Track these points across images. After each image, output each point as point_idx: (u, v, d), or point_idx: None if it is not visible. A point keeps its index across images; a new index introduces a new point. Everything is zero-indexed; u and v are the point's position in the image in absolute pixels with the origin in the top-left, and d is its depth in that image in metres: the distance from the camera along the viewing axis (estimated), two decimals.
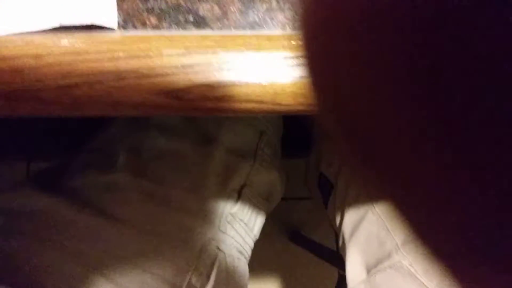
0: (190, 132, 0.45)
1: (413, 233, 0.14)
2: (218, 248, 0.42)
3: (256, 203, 0.48)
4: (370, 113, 0.11)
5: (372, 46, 0.10)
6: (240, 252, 0.47)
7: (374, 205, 0.46)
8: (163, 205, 0.41)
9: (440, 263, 0.13)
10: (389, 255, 0.43)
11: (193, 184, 0.43)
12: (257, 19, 0.29)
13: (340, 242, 0.51)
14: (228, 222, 0.44)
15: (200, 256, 0.41)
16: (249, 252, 0.49)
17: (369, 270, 0.45)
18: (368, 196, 0.47)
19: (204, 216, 0.42)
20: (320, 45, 0.12)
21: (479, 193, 0.10)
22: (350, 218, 0.49)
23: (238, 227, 0.46)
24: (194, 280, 0.40)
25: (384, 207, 0.46)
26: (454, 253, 0.12)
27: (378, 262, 0.44)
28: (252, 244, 0.49)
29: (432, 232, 0.12)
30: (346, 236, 0.50)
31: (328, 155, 0.53)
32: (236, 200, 0.45)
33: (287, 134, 0.60)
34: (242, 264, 0.47)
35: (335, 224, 0.52)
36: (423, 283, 0.41)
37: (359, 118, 0.12)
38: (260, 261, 0.99)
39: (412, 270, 0.41)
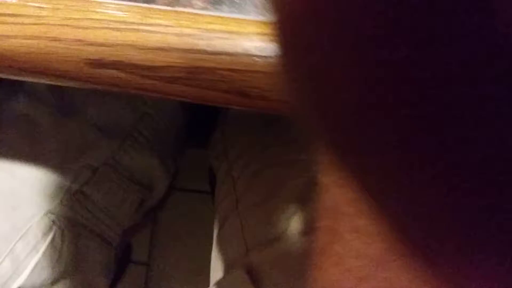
0: (52, 102, 0.44)
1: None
2: (54, 222, 0.41)
3: (120, 184, 0.46)
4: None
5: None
6: (97, 234, 0.45)
7: (238, 206, 0.44)
8: (1, 167, 0.40)
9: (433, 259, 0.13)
10: (233, 262, 0.41)
11: (40, 154, 0.42)
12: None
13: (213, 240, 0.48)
14: (77, 199, 0.43)
15: (29, 226, 0.40)
16: (111, 235, 0.47)
17: (219, 275, 0.43)
18: (235, 196, 0.45)
19: (43, 187, 0.41)
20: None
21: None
22: (218, 216, 0.47)
23: (92, 206, 0.44)
24: (19, 248, 0.39)
25: (245, 209, 0.43)
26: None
27: (228, 267, 0.42)
28: (117, 228, 0.47)
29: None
30: (215, 233, 0.47)
31: (216, 147, 0.51)
32: (90, 177, 0.43)
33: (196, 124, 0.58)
34: (92, 246, 0.45)
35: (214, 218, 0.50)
36: None
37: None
38: None
39: (248, 279, 0.39)
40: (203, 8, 0.25)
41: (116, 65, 0.23)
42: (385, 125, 0.10)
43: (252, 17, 0.24)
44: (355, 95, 0.11)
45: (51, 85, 0.44)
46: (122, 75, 0.23)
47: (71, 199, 0.42)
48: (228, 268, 0.42)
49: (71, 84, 0.24)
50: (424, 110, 0.09)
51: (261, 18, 0.24)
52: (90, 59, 0.23)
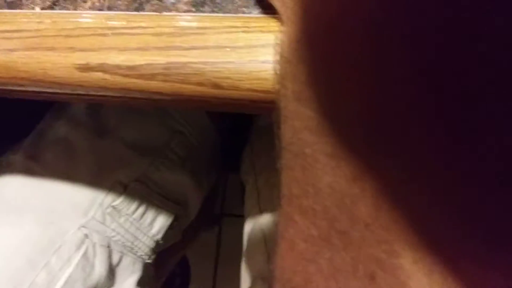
0: (87, 122, 0.46)
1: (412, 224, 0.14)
2: (87, 236, 0.43)
3: (153, 200, 0.47)
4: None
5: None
6: (130, 248, 0.47)
7: (261, 218, 0.43)
8: (40, 186, 0.43)
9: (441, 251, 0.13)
10: (259, 274, 0.40)
11: (73, 172, 0.44)
12: None
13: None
14: (108, 214, 0.44)
15: (64, 240, 0.42)
16: (146, 251, 0.48)
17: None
18: (258, 206, 0.44)
19: (77, 203, 0.43)
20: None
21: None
22: (245, 228, 0.46)
23: (124, 221, 0.45)
24: (53, 260, 0.41)
25: (268, 218, 0.42)
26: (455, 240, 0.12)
27: (253, 285, 0.41)
28: (151, 243, 0.48)
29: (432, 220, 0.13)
30: (244, 246, 0.47)
31: (246, 162, 0.51)
32: (121, 193, 0.45)
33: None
34: (128, 261, 0.46)
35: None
36: None
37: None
38: None
39: None
40: (186, 11, 0.26)
41: (101, 67, 0.24)
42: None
43: (231, 14, 0.25)
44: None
45: (90, 109, 0.47)
46: (107, 76, 0.24)
47: (103, 214, 0.44)
48: (254, 279, 0.41)
49: (66, 89, 0.26)
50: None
51: (238, 15, 0.24)
52: (79, 64, 0.25)
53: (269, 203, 0.44)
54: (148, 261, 0.50)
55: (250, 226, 0.46)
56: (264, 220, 0.43)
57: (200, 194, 0.53)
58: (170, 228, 0.50)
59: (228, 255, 0.94)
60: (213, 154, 0.55)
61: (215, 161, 0.55)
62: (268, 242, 0.41)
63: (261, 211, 0.44)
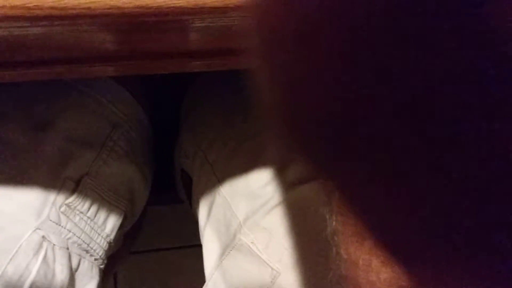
0: (21, 118, 0.42)
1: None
2: (45, 238, 0.38)
3: (104, 197, 0.44)
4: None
5: None
6: (86, 251, 0.42)
7: (220, 186, 0.44)
8: None
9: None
10: (234, 236, 0.41)
11: (19, 171, 0.39)
12: None
13: (200, 236, 0.47)
14: (63, 213, 0.40)
15: (19, 245, 0.36)
16: (101, 254, 0.44)
17: (219, 257, 0.42)
18: (216, 178, 0.45)
19: (29, 204, 0.38)
20: None
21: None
22: (203, 208, 0.46)
23: (79, 220, 0.41)
24: (10, 270, 0.36)
25: (229, 186, 0.43)
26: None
27: (226, 246, 0.41)
28: (105, 245, 0.44)
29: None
30: (201, 228, 0.46)
31: (186, 146, 0.51)
32: (74, 190, 0.41)
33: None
34: (86, 265, 0.42)
35: (197, 221, 0.49)
36: (263, 260, 0.38)
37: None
38: None
39: (254, 248, 0.38)
40: None
41: None
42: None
43: None
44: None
45: (20, 103, 0.42)
46: None
47: (57, 214, 0.40)
48: (228, 245, 0.41)
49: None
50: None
51: None
52: None
53: (229, 170, 0.44)
54: (101, 266, 0.45)
55: (208, 200, 0.45)
56: (226, 186, 0.43)
57: (146, 189, 0.50)
58: (120, 228, 0.47)
59: None
60: (150, 148, 0.53)
61: (152, 155, 0.54)
62: (235, 207, 0.42)
63: (219, 181, 0.44)
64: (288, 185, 0.40)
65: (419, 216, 0.11)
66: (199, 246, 0.47)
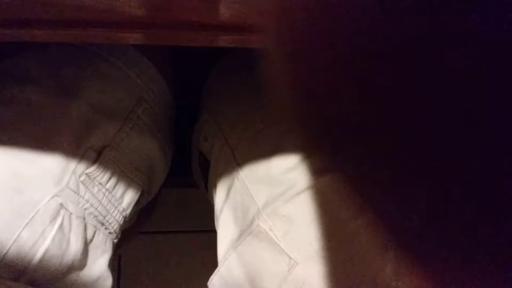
0: (48, 81, 0.41)
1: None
2: (62, 206, 0.37)
3: (124, 170, 0.43)
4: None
5: None
6: (101, 223, 0.42)
7: (240, 170, 0.43)
8: (3, 152, 0.36)
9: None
10: (251, 222, 0.39)
11: (42, 135, 0.38)
12: None
13: (215, 220, 0.46)
14: (82, 182, 0.39)
15: (35, 211, 0.36)
16: (116, 228, 0.43)
17: (235, 242, 0.40)
18: (236, 161, 0.43)
19: (49, 169, 0.38)
20: None
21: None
22: (220, 192, 0.45)
23: (97, 191, 0.41)
24: (25, 235, 0.35)
25: (249, 170, 0.42)
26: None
27: (243, 231, 0.40)
28: (120, 220, 0.44)
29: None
30: (217, 212, 0.45)
31: (206, 128, 0.49)
32: (95, 160, 0.40)
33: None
34: (100, 237, 0.41)
35: (212, 203, 0.48)
36: (281, 248, 0.36)
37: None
38: None
39: (271, 234, 0.37)
40: None
41: None
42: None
43: None
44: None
45: (48, 67, 0.41)
46: None
47: (76, 182, 0.39)
48: (244, 230, 0.40)
49: None
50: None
51: None
52: None
53: (250, 156, 0.43)
54: (115, 241, 0.45)
55: (226, 185, 0.44)
56: (245, 172, 0.42)
57: (165, 168, 0.50)
58: (136, 204, 0.46)
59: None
60: (172, 127, 0.52)
61: (173, 135, 0.53)
62: (254, 193, 0.41)
63: (239, 165, 0.43)
64: (312, 174, 0.39)
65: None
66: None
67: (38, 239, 0.36)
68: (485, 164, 0.09)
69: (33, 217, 0.36)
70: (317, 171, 0.38)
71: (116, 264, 0.88)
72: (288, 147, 0.41)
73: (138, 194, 0.46)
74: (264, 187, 0.40)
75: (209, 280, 0.43)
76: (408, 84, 0.09)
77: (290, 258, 0.36)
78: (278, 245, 0.37)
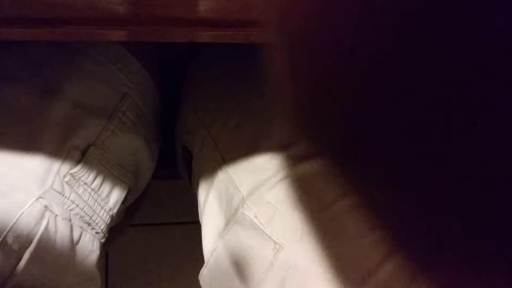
0: (30, 81, 0.40)
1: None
2: (47, 208, 0.36)
3: (110, 169, 0.42)
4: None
5: None
6: (88, 224, 0.41)
7: (223, 161, 0.42)
8: None
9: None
10: (236, 211, 0.39)
11: (24, 136, 0.37)
12: None
13: (199, 212, 0.46)
14: (67, 183, 0.39)
15: (20, 213, 0.35)
16: (102, 228, 0.43)
17: (221, 232, 0.40)
18: (219, 153, 0.43)
19: (32, 171, 0.37)
20: None
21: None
22: (204, 184, 0.45)
23: (83, 192, 0.40)
24: (10, 238, 0.34)
25: (232, 161, 0.42)
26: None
27: (228, 221, 0.40)
28: (107, 219, 0.43)
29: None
30: (201, 204, 0.45)
31: (188, 121, 0.49)
32: (79, 159, 0.39)
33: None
34: (87, 238, 0.41)
35: (196, 196, 0.47)
36: (266, 234, 0.36)
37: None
38: None
39: (256, 221, 0.37)
40: None
41: None
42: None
43: None
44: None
45: (29, 65, 0.40)
46: None
47: (61, 183, 0.38)
48: (230, 219, 0.40)
49: None
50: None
51: None
52: None
53: (233, 146, 0.42)
54: (102, 240, 0.44)
55: (210, 176, 0.44)
56: (230, 162, 0.42)
57: (152, 164, 0.49)
58: (123, 202, 0.46)
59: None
60: (158, 121, 0.52)
61: (159, 129, 0.52)
62: (238, 182, 0.41)
63: (223, 157, 0.43)
64: (294, 160, 0.39)
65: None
66: (197, 223, 0.46)
67: (24, 242, 0.35)
68: (464, 154, 0.09)
69: (17, 220, 0.35)
70: (300, 157, 0.38)
71: (104, 258, 0.87)
72: (270, 136, 0.41)
73: (125, 192, 0.45)
74: (248, 176, 0.40)
75: (200, 273, 0.42)
76: (400, 79, 0.09)
77: (275, 243, 0.36)
78: (263, 231, 0.37)
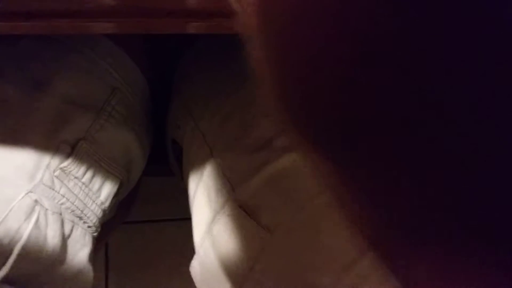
0: (17, 76, 0.40)
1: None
2: (37, 202, 0.36)
3: (100, 163, 0.42)
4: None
5: None
6: (79, 217, 0.41)
7: (211, 153, 0.43)
8: None
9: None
10: (224, 202, 0.39)
11: (12, 132, 0.37)
12: None
13: (190, 205, 0.46)
14: (57, 177, 0.39)
15: (10, 207, 0.35)
16: (94, 221, 0.43)
17: (210, 224, 0.40)
18: (208, 146, 0.43)
19: (21, 166, 0.37)
20: None
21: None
22: (193, 177, 0.45)
23: (73, 185, 0.40)
24: (0, 233, 0.34)
25: (220, 153, 0.42)
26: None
27: (217, 212, 0.40)
28: (99, 213, 0.43)
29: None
30: (191, 197, 0.45)
31: (177, 115, 0.49)
32: (69, 154, 0.39)
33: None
34: (78, 232, 0.41)
35: (187, 189, 0.47)
36: (254, 224, 0.37)
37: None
38: None
39: (244, 212, 0.37)
40: None
41: None
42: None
43: None
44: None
45: (15, 60, 0.40)
46: None
47: (51, 178, 0.38)
48: (218, 211, 0.40)
49: None
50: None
51: None
52: None
53: (221, 138, 0.43)
54: (94, 234, 0.44)
55: (199, 168, 0.44)
56: (218, 153, 0.42)
57: (144, 157, 0.49)
58: (115, 196, 0.46)
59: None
60: (149, 115, 0.52)
61: (151, 123, 0.52)
62: (227, 173, 0.41)
63: (211, 148, 0.43)
64: (282, 151, 0.39)
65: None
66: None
67: (14, 236, 0.35)
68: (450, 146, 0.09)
69: (7, 214, 0.35)
70: (287, 148, 0.39)
71: (104, 255, 0.87)
72: (258, 128, 0.41)
73: (117, 186, 0.45)
74: (235, 167, 0.40)
75: (190, 265, 0.43)
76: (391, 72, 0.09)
77: (264, 233, 0.36)
78: (251, 221, 0.37)
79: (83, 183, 0.41)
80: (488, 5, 0.08)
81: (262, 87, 0.13)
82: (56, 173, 0.39)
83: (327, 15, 0.10)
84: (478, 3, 0.08)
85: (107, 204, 0.44)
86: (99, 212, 0.43)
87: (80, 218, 0.41)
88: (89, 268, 0.42)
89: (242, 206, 0.37)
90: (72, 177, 0.40)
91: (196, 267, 0.42)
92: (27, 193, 0.36)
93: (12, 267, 0.35)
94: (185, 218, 0.92)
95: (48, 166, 0.38)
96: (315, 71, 0.11)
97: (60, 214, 0.39)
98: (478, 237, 0.10)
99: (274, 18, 0.11)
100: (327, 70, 0.10)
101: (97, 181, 0.42)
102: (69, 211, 0.40)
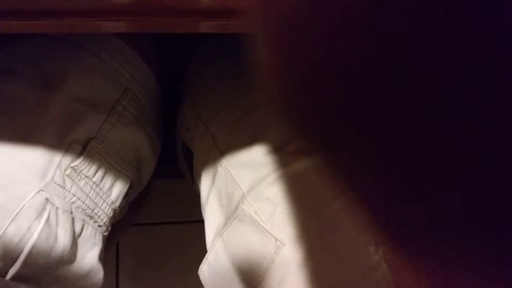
0: (30, 75, 0.40)
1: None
2: (48, 200, 0.36)
3: (111, 162, 0.42)
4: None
5: None
6: (90, 216, 0.41)
7: (222, 157, 0.42)
8: None
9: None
10: (236, 207, 0.39)
11: (25, 130, 0.38)
12: None
13: (202, 209, 0.46)
14: (68, 176, 0.39)
15: (21, 205, 0.35)
16: (105, 221, 0.43)
17: (221, 229, 0.40)
18: (218, 149, 0.43)
19: (33, 164, 0.37)
20: None
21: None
22: (205, 181, 0.45)
23: (84, 184, 0.40)
24: (11, 231, 0.34)
25: (231, 157, 0.42)
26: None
27: (228, 217, 0.40)
28: (109, 212, 0.43)
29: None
30: (203, 200, 0.45)
31: (187, 119, 0.49)
32: (80, 153, 0.40)
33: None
34: (89, 231, 0.41)
35: (198, 193, 0.47)
36: (267, 231, 0.36)
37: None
38: None
39: (257, 218, 0.37)
40: None
41: None
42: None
43: None
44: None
45: (29, 60, 0.40)
46: None
47: (62, 176, 0.38)
48: (230, 216, 0.40)
49: None
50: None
51: None
52: None
53: (231, 142, 0.42)
54: (105, 233, 0.44)
55: (210, 172, 0.44)
56: (227, 158, 0.42)
57: (154, 158, 0.49)
58: (126, 196, 0.46)
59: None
60: (159, 116, 0.52)
61: (161, 124, 0.52)
62: (238, 179, 0.41)
63: (221, 153, 0.43)
64: (293, 157, 0.39)
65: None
66: (203, 221, 0.46)
67: (25, 234, 0.35)
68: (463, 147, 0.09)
69: (18, 212, 0.35)
70: (299, 153, 0.38)
71: (114, 257, 0.87)
72: (268, 132, 0.41)
73: (127, 186, 0.45)
74: (247, 172, 0.40)
75: (199, 269, 0.42)
76: (392, 73, 0.09)
77: (276, 239, 0.36)
78: (263, 227, 0.36)
79: (94, 182, 0.41)
80: None
81: (265, 89, 0.13)
82: (67, 172, 0.39)
83: (325, 18, 0.10)
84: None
85: (117, 203, 0.44)
86: (109, 212, 0.43)
87: (91, 217, 0.41)
88: (99, 267, 0.42)
89: (255, 212, 0.37)
90: (83, 176, 0.40)
91: (205, 270, 0.41)
92: (38, 192, 0.36)
93: (22, 265, 0.35)
94: (197, 221, 0.92)
95: (59, 165, 0.38)
96: (314, 73, 0.11)
97: (71, 212, 0.39)
98: (478, 236, 0.10)
99: (273, 20, 0.11)
100: (327, 70, 0.10)
101: (108, 180, 0.42)
102: (80, 210, 0.40)
